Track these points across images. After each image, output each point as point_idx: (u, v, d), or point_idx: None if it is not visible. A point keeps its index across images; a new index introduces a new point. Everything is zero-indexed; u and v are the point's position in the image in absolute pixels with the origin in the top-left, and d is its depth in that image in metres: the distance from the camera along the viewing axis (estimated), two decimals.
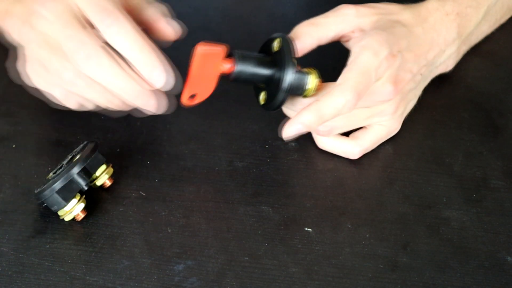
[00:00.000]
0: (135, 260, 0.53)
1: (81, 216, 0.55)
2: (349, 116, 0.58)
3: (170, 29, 0.56)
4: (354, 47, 0.57)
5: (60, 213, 0.54)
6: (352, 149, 0.60)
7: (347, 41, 0.61)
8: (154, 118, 0.64)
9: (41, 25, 0.53)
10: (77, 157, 0.55)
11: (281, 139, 0.57)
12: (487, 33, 0.72)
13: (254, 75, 0.55)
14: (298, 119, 0.55)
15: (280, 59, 0.55)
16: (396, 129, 0.61)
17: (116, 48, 0.51)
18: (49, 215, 0.55)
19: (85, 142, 0.57)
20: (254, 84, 0.59)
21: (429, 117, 0.65)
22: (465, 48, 0.69)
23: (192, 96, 0.55)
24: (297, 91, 0.56)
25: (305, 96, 0.57)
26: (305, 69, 0.56)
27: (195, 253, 0.53)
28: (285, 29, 0.76)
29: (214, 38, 0.74)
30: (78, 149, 0.57)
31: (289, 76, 0.54)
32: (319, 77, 0.56)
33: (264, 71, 0.56)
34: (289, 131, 0.56)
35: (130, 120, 0.63)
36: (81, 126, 0.63)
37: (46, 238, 0.54)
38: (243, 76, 0.55)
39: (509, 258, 0.54)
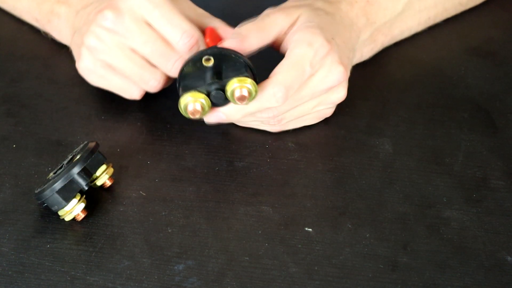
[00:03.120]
0: (135, 260, 0.53)
1: (81, 216, 0.55)
2: (297, 108, 0.59)
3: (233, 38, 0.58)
4: (288, 44, 0.58)
5: (60, 213, 0.54)
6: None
7: (279, 45, 0.61)
8: (154, 118, 0.64)
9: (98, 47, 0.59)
10: (77, 157, 0.55)
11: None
12: (417, 30, 0.71)
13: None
14: (222, 109, 0.57)
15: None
16: (330, 113, 0.62)
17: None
18: (49, 215, 0.55)
19: (85, 142, 0.57)
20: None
21: (429, 117, 0.65)
22: (383, 39, 0.68)
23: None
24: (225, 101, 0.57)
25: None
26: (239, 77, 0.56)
27: (195, 253, 0.53)
28: None
29: None
30: (78, 149, 0.57)
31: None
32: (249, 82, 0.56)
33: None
34: (211, 118, 0.58)
35: (130, 120, 0.63)
36: (81, 126, 0.63)
37: (46, 238, 0.54)
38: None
39: (509, 258, 0.54)
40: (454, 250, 0.54)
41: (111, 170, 0.57)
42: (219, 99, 0.56)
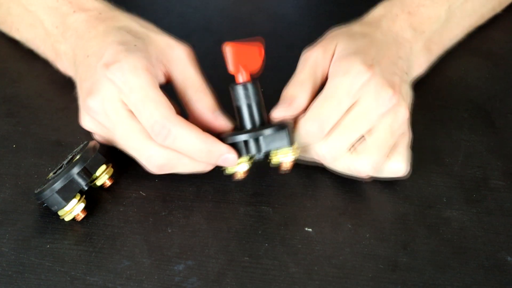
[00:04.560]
0: (135, 260, 0.53)
1: (81, 216, 0.55)
2: (376, 144, 0.56)
3: (217, 125, 0.57)
4: (328, 76, 0.57)
5: (60, 213, 0.54)
6: (398, 165, 0.58)
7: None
8: None
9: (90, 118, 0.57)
10: (77, 157, 0.55)
11: None
12: (462, 38, 0.71)
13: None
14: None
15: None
16: (410, 134, 0.59)
17: (177, 151, 0.54)
18: (49, 215, 0.55)
19: (85, 142, 0.57)
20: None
21: (429, 117, 0.65)
22: (437, 49, 0.67)
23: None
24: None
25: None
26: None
27: (195, 253, 0.53)
28: (285, 29, 0.77)
29: (214, 38, 0.74)
30: (78, 149, 0.57)
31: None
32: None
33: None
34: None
35: None
36: (81, 126, 0.63)
37: (46, 238, 0.54)
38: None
39: (509, 258, 0.54)
40: (454, 250, 0.54)
41: (111, 170, 0.57)
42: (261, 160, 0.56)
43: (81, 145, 0.57)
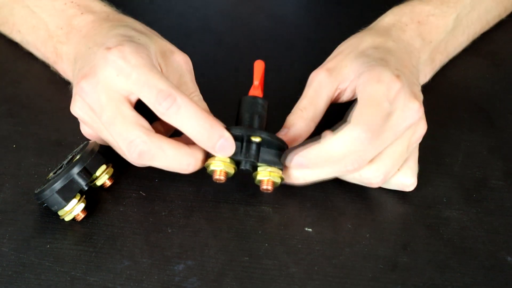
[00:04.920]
0: (135, 260, 0.53)
1: (81, 216, 0.55)
2: (391, 155, 0.55)
3: None
4: (356, 91, 0.55)
5: (60, 213, 0.54)
6: (407, 180, 0.57)
7: (340, 98, 0.59)
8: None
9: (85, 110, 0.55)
10: (77, 157, 0.55)
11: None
12: (466, 46, 0.71)
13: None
14: (301, 159, 0.53)
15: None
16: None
17: (176, 127, 0.53)
18: (49, 215, 0.55)
19: (85, 142, 0.57)
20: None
21: (429, 117, 0.65)
22: (441, 58, 0.67)
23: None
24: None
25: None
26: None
27: (195, 253, 0.53)
28: (285, 29, 0.77)
29: (214, 38, 0.74)
30: (78, 149, 0.57)
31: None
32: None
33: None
34: (293, 174, 0.55)
35: None
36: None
37: (46, 238, 0.54)
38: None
39: (509, 258, 0.54)
40: (454, 250, 0.54)
41: (111, 170, 0.57)
42: (245, 172, 0.55)
43: (81, 145, 0.57)
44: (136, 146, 0.52)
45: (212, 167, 0.54)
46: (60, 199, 0.53)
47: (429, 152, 0.62)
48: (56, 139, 0.62)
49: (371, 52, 0.58)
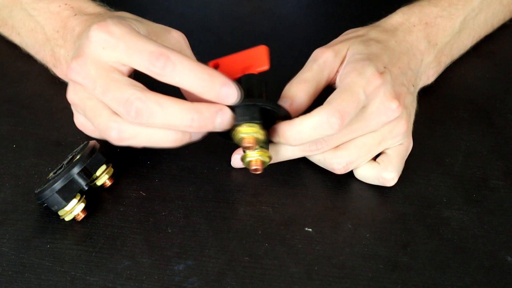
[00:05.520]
0: (135, 260, 0.53)
1: (81, 216, 0.55)
2: (359, 146, 0.56)
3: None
4: (339, 78, 0.56)
5: (60, 213, 0.54)
6: (387, 175, 0.57)
7: (334, 83, 0.59)
8: None
9: (80, 91, 0.54)
10: (77, 157, 0.55)
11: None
12: (469, 48, 0.71)
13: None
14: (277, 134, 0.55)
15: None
16: (411, 144, 0.60)
17: (176, 85, 0.52)
18: (49, 215, 0.55)
19: (85, 142, 0.57)
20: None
21: (429, 117, 0.65)
22: (446, 60, 0.67)
23: (216, 67, 0.57)
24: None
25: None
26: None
27: (195, 253, 0.53)
28: (285, 29, 0.77)
29: (214, 38, 0.74)
30: (78, 149, 0.57)
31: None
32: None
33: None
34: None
35: None
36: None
37: (46, 238, 0.54)
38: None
39: (509, 258, 0.54)
40: (454, 250, 0.54)
41: (111, 170, 0.57)
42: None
43: (81, 145, 0.57)
44: (132, 103, 0.50)
45: (248, 158, 0.55)
46: (60, 199, 0.53)
47: (429, 152, 0.62)
48: (56, 139, 0.62)
49: (372, 44, 0.59)
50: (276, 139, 0.55)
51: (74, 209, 0.54)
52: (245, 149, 0.54)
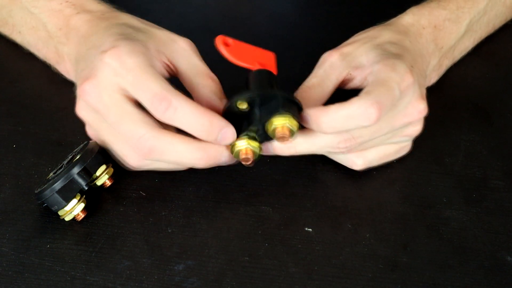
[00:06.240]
0: (135, 260, 0.53)
1: (81, 216, 0.55)
2: (373, 132, 0.55)
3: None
4: (368, 78, 0.56)
5: (60, 213, 0.54)
6: (355, 159, 0.58)
7: (348, 84, 0.59)
8: None
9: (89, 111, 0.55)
10: (77, 157, 0.55)
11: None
12: (470, 50, 0.71)
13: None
14: (316, 120, 0.53)
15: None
16: (407, 149, 0.60)
17: (176, 126, 0.53)
18: (49, 215, 0.55)
19: (85, 142, 0.57)
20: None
21: (429, 117, 0.65)
22: (447, 63, 0.67)
23: (227, 44, 0.57)
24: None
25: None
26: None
27: (195, 253, 0.53)
28: (285, 29, 0.77)
29: (214, 38, 0.74)
30: (78, 149, 0.57)
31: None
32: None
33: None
34: (287, 150, 0.55)
35: None
36: (81, 126, 0.63)
37: (46, 238, 0.54)
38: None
39: (509, 258, 0.54)
40: (454, 250, 0.54)
41: (111, 170, 0.57)
42: (264, 139, 0.54)
43: (81, 145, 0.57)
44: (146, 141, 0.52)
45: (237, 148, 0.54)
46: (60, 199, 0.53)
47: (429, 152, 0.62)
48: (56, 139, 0.62)
49: (388, 47, 0.58)
50: (307, 124, 0.54)
51: (74, 209, 0.54)
52: (280, 140, 0.52)
